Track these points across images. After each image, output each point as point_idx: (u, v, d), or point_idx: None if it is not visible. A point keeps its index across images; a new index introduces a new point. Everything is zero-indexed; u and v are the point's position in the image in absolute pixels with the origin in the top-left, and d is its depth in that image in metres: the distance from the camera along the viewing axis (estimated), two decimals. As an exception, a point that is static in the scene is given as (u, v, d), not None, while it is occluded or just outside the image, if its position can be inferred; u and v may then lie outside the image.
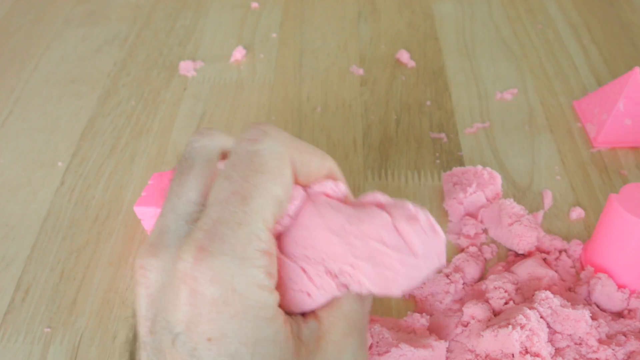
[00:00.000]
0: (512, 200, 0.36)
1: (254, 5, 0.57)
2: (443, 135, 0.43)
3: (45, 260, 0.36)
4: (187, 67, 0.50)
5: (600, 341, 0.29)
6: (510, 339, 0.28)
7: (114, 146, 0.44)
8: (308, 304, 0.21)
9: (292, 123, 0.44)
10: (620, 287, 0.31)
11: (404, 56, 0.50)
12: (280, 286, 0.21)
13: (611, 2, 0.57)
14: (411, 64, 0.49)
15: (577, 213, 0.37)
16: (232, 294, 0.19)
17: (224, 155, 0.23)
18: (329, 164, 0.23)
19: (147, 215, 0.34)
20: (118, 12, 0.58)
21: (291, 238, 0.22)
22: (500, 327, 0.28)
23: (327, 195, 0.23)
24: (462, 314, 0.31)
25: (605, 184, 0.39)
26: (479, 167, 0.38)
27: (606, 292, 0.31)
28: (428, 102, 0.46)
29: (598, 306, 0.32)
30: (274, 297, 0.20)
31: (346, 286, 0.21)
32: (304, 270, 0.21)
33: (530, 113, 0.45)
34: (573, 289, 0.33)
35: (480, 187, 0.37)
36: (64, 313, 0.33)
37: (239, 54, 0.51)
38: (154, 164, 0.42)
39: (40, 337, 0.32)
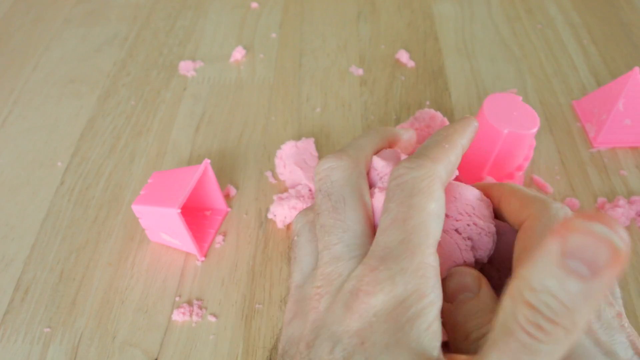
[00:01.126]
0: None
1: (254, 5, 0.57)
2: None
3: (44, 260, 0.36)
4: (186, 67, 0.50)
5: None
6: None
7: (114, 146, 0.44)
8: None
9: (291, 123, 0.44)
10: None
11: (403, 56, 0.50)
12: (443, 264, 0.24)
13: (611, 2, 0.57)
14: (411, 64, 0.49)
15: (576, 213, 0.37)
16: (394, 301, 0.20)
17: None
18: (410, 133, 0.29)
19: (145, 214, 0.34)
20: (118, 12, 0.58)
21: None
22: None
23: None
24: None
25: (605, 184, 0.39)
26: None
27: None
28: (428, 102, 0.46)
29: None
30: (434, 318, 0.20)
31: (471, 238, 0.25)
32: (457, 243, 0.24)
33: (530, 113, 0.45)
34: None
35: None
36: (64, 313, 0.33)
37: (238, 54, 0.51)
38: (153, 164, 0.42)
39: (40, 337, 0.32)
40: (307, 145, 0.41)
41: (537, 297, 0.16)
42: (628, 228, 0.37)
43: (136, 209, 0.34)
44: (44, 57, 0.53)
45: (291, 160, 0.40)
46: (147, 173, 0.41)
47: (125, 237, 0.37)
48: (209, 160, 0.35)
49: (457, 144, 0.24)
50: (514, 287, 0.16)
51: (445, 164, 0.23)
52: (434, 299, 0.20)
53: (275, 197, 0.38)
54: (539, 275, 0.16)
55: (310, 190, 0.39)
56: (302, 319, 0.23)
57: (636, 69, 0.38)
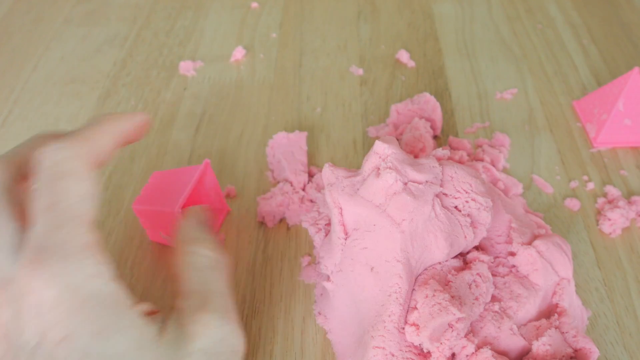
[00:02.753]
0: (512, 200, 0.36)
1: (254, 5, 0.57)
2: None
3: (45, 260, 0.36)
4: (187, 67, 0.50)
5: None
6: None
7: (114, 146, 0.44)
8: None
9: (291, 123, 0.44)
10: None
11: (403, 56, 0.50)
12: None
13: (611, 2, 0.57)
14: (411, 64, 0.49)
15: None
16: (67, 290, 0.20)
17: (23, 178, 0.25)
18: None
19: (145, 214, 0.34)
20: (118, 12, 0.58)
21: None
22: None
23: None
24: None
25: (606, 184, 0.39)
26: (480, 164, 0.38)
27: None
28: (428, 102, 0.46)
29: None
30: (114, 285, 0.21)
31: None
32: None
33: (530, 113, 0.45)
34: None
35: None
36: (64, 313, 0.33)
37: (238, 54, 0.51)
38: (154, 164, 0.42)
39: (40, 337, 0.32)
40: (299, 138, 0.41)
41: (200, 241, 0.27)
42: (628, 228, 0.37)
43: (136, 208, 0.34)
44: (44, 57, 0.53)
45: (280, 151, 0.40)
46: (147, 173, 0.41)
47: (125, 237, 0.37)
48: (209, 160, 0.35)
49: (111, 127, 0.25)
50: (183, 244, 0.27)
51: (92, 144, 0.23)
52: (102, 271, 0.21)
53: (258, 199, 0.38)
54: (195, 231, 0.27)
55: (291, 184, 0.39)
56: None
57: (636, 68, 0.38)
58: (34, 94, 0.49)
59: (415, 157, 0.38)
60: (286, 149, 0.40)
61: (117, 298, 0.21)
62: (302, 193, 0.38)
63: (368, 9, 0.57)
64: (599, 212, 0.37)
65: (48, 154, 0.22)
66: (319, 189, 0.38)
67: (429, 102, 0.43)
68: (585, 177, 0.40)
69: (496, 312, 0.28)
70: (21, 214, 0.22)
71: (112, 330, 0.20)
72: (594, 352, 0.28)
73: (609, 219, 0.36)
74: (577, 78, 0.48)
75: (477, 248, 0.31)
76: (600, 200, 0.38)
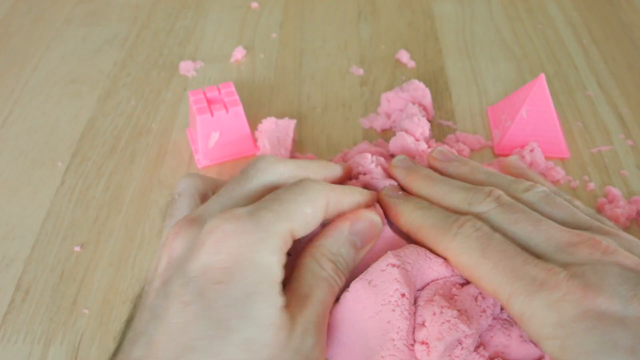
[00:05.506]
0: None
1: (254, 5, 0.57)
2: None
3: (45, 261, 0.36)
4: (187, 67, 0.50)
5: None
6: None
7: (114, 146, 0.44)
8: None
9: (292, 123, 0.44)
10: None
11: (404, 56, 0.50)
12: None
13: (611, 2, 0.57)
14: (411, 64, 0.49)
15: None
16: (244, 252, 0.23)
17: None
18: (359, 198, 0.29)
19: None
20: (118, 12, 0.58)
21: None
22: None
23: None
24: None
25: (606, 185, 0.39)
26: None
27: None
28: (428, 102, 0.46)
29: None
30: (279, 269, 0.24)
31: None
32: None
33: (531, 113, 0.45)
34: None
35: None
36: (65, 313, 0.33)
37: (239, 54, 0.51)
38: (153, 164, 0.42)
39: (41, 337, 0.32)
40: (287, 125, 0.41)
41: (334, 257, 0.27)
42: (628, 228, 0.37)
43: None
44: (45, 57, 0.53)
45: (265, 136, 0.41)
46: (147, 173, 0.41)
47: (126, 238, 0.37)
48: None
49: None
50: (316, 250, 0.27)
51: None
52: (275, 252, 0.24)
53: None
54: (335, 244, 0.27)
55: None
56: (159, 259, 0.26)
57: (541, 75, 0.37)
58: (34, 94, 0.49)
59: (417, 140, 0.39)
60: (273, 134, 0.41)
61: (275, 281, 0.24)
62: None
63: (368, 9, 0.57)
64: (599, 212, 0.37)
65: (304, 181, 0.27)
66: None
67: (418, 89, 0.43)
68: (586, 177, 0.40)
69: (505, 320, 0.28)
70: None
71: (259, 298, 0.23)
72: None
73: (609, 219, 0.36)
74: (577, 78, 0.48)
75: None
76: (601, 200, 0.38)
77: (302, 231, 0.25)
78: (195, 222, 0.26)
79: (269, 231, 0.24)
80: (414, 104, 0.42)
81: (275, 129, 0.41)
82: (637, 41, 0.52)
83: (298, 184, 0.26)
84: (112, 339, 0.32)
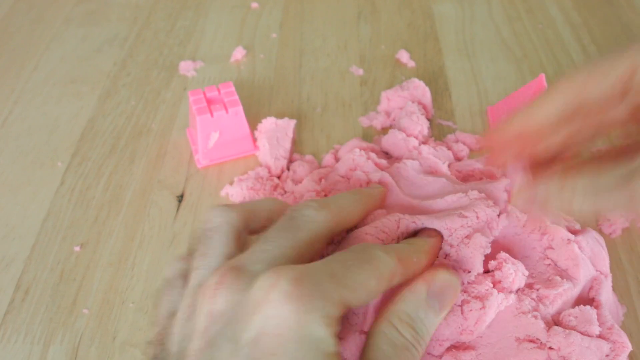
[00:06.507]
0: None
1: (254, 5, 0.57)
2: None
3: (45, 261, 0.36)
4: (187, 67, 0.50)
5: None
6: None
7: (114, 146, 0.44)
8: None
9: (292, 123, 0.44)
10: None
11: (404, 56, 0.50)
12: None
13: (611, 2, 0.57)
14: (411, 64, 0.49)
15: (577, 213, 0.37)
16: (300, 319, 0.21)
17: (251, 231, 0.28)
18: (424, 263, 0.27)
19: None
20: (118, 12, 0.58)
21: None
22: None
23: None
24: None
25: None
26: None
27: None
28: (428, 102, 0.46)
29: None
30: (334, 341, 0.21)
31: None
32: None
33: (530, 113, 0.45)
34: None
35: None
36: (64, 313, 0.33)
37: (239, 54, 0.51)
38: (153, 164, 0.42)
39: (41, 337, 0.32)
40: (286, 125, 0.42)
41: (414, 323, 0.24)
42: (628, 229, 0.36)
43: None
44: (45, 57, 0.53)
45: (265, 135, 0.41)
46: (147, 173, 0.41)
47: (126, 238, 0.37)
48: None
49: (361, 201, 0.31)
50: (393, 315, 0.24)
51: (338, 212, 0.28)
52: (330, 319, 0.22)
53: (236, 179, 0.39)
54: (414, 308, 0.25)
55: (269, 170, 0.40)
56: (190, 308, 0.24)
57: (542, 75, 0.37)
58: (34, 94, 0.49)
59: (416, 138, 0.40)
60: (272, 134, 0.41)
61: (334, 352, 0.21)
62: (276, 181, 0.39)
63: (368, 9, 0.57)
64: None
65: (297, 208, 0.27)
66: (296, 181, 0.38)
67: (418, 87, 0.43)
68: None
69: (533, 299, 0.28)
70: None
71: None
72: (627, 347, 0.28)
73: (609, 220, 0.36)
74: (577, 78, 0.48)
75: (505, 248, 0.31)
76: (601, 200, 0.38)
77: (360, 303, 0.23)
78: (241, 273, 0.23)
79: (328, 299, 0.21)
80: (413, 102, 0.42)
81: (275, 129, 0.41)
82: (637, 41, 0.52)
83: (365, 251, 0.24)
84: (111, 338, 0.32)
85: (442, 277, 0.26)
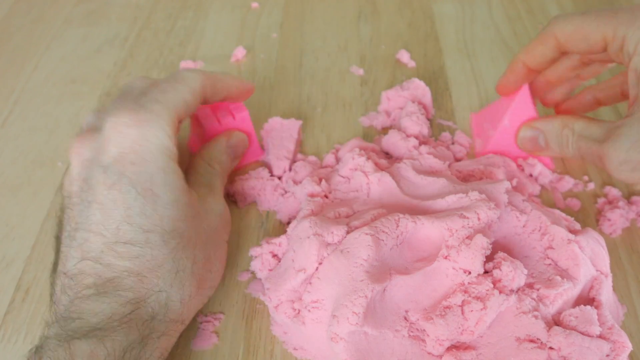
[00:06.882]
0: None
1: (254, 5, 0.57)
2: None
3: (45, 260, 0.36)
4: (187, 67, 0.50)
5: None
6: None
7: (114, 146, 0.44)
8: None
9: (292, 123, 0.44)
10: None
11: (404, 56, 0.50)
12: None
13: (611, 2, 0.57)
14: (411, 64, 0.49)
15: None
16: (146, 137, 0.29)
17: None
18: (231, 82, 0.36)
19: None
20: (118, 12, 0.58)
21: None
22: None
23: None
24: None
25: (606, 185, 0.39)
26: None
27: None
28: (428, 102, 0.46)
29: None
30: (173, 145, 0.30)
31: None
32: None
33: (531, 113, 0.45)
34: None
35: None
36: (64, 313, 0.33)
37: (239, 54, 0.51)
38: (154, 164, 0.42)
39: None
40: (291, 125, 0.42)
41: (218, 161, 0.37)
42: (628, 228, 0.37)
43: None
44: (45, 57, 0.53)
45: (271, 135, 0.41)
46: (148, 173, 0.41)
47: (126, 237, 0.37)
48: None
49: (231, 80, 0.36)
50: (205, 156, 0.36)
51: (214, 77, 0.34)
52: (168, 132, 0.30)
53: (236, 177, 0.39)
54: (218, 153, 0.37)
55: (270, 170, 0.40)
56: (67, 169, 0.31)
57: (526, 85, 0.37)
58: (35, 94, 0.49)
59: (416, 138, 0.40)
60: (277, 134, 0.41)
61: (173, 157, 0.30)
62: (277, 181, 0.39)
63: (368, 9, 0.57)
64: (599, 213, 0.37)
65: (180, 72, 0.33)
66: (297, 181, 0.38)
67: (418, 87, 0.43)
68: (586, 177, 0.40)
69: (533, 299, 0.28)
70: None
71: (170, 171, 0.29)
72: (627, 347, 0.28)
73: (609, 220, 0.36)
74: (577, 78, 0.48)
75: (504, 248, 0.31)
76: (601, 200, 0.38)
77: (186, 115, 0.31)
78: (93, 129, 0.30)
79: (163, 119, 0.29)
80: (413, 102, 0.42)
81: (280, 129, 0.41)
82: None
83: (175, 75, 0.32)
84: (112, 338, 0.32)
85: (236, 135, 0.38)
